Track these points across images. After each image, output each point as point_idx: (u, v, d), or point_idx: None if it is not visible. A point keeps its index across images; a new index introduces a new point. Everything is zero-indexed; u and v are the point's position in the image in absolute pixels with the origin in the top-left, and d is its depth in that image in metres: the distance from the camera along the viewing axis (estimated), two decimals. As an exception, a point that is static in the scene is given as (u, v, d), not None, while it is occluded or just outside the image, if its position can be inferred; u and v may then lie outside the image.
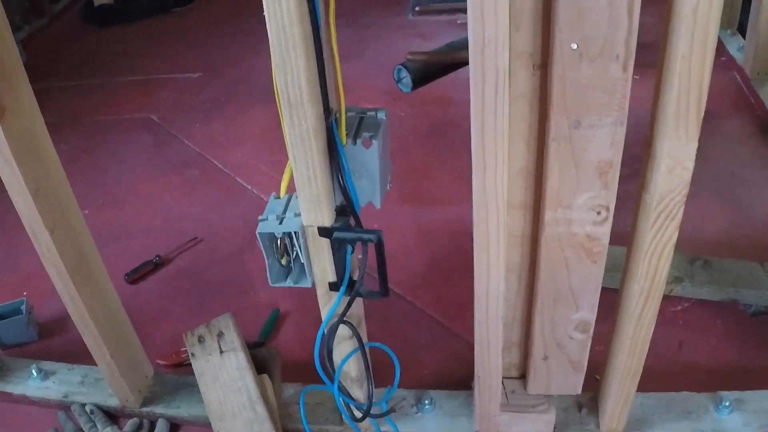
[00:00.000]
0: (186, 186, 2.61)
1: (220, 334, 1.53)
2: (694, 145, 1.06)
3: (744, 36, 2.96)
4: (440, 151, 2.62)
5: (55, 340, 2.01)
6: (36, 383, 1.82)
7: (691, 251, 2.01)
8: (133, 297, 1.89)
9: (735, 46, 3.06)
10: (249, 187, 2.55)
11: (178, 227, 2.38)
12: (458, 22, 3.42)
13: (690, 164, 1.09)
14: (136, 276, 2.17)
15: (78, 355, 1.81)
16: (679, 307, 1.92)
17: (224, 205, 2.49)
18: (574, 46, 0.99)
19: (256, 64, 3.33)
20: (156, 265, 2.21)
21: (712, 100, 2.71)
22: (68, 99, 3.26)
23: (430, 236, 2.23)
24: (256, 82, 3.22)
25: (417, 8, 3.70)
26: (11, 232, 2.40)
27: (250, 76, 3.27)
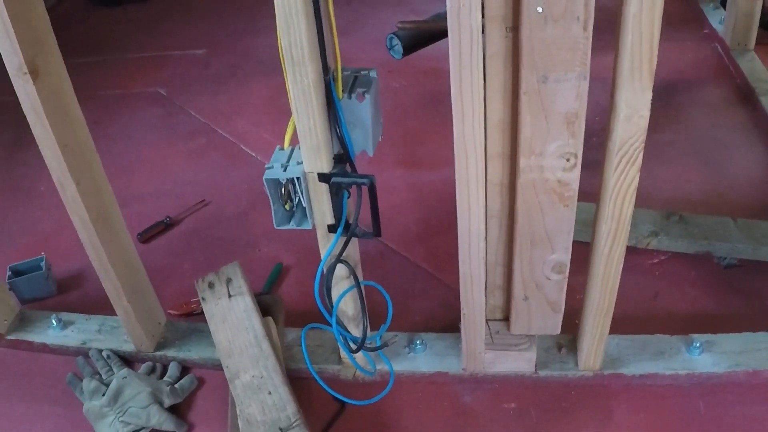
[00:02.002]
0: (193, 153, 2.72)
1: (229, 280, 1.64)
2: (649, 95, 1.18)
3: (725, 9, 3.05)
4: (432, 119, 2.74)
5: (71, 295, 2.12)
6: (55, 332, 1.92)
7: (668, 207, 2.10)
8: (145, 254, 1.98)
9: (717, 18, 3.16)
10: (253, 154, 2.66)
11: (186, 191, 2.49)
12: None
13: (646, 113, 1.20)
14: (147, 235, 2.28)
15: (96, 307, 1.93)
16: (656, 260, 2.01)
17: (229, 171, 2.59)
18: (540, 9, 1.11)
19: (257, 40, 3.42)
20: (166, 225, 2.32)
21: (694, 69, 2.83)
22: (78, 75, 3.23)
23: (422, 196, 2.35)
24: (257, 57, 3.31)
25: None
26: (30, 200, 2.52)
27: (252, 52, 3.36)
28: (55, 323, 1.93)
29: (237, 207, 2.39)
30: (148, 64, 3.44)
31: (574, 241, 1.41)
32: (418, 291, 2.00)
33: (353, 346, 1.55)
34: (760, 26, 2.90)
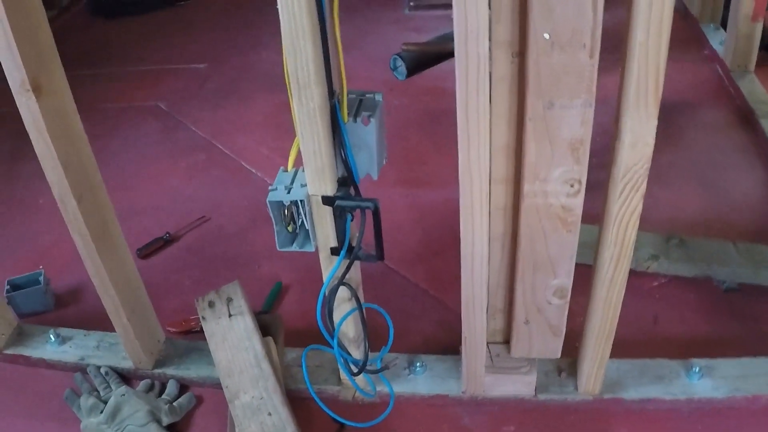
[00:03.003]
0: (193, 169, 2.71)
1: (229, 300, 1.64)
2: (654, 122, 1.18)
3: (726, 30, 3.06)
4: (434, 138, 2.74)
5: (70, 310, 2.11)
6: (53, 347, 1.92)
7: (669, 230, 2.10)
8: (144, 270, 1.98)
9: (717, 39, 3.17)
10: (253, 170, 2.64)
11: (186, 207, 2.48)
12: (452, 17, 3.50)
13: (651, 140, 1.20)
14: (147, 251, 2.27)
15: (94, 322, 1.92)
16: (656, 283, 2.00)
17: (230, 187, 2.58)
18: (547, 36, 1.11)
19: (258, 55, 3.42)
20: (166, 241, 2.31)
21: (694, 90, 2.83)
22: (78, 88, 3.22)
23: (423, 216, 2.34)
24: (258, 72, 3.31)
25: (412, 3, 3.80)
26: (28, 214, 2.52)
27: (253, 67, 3.36)
28: (53, 338, 1.92)
29: (237, 224, 2.38)
30: (148, 77, 3.44)
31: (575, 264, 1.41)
32: (419, 312, 1.99)
33: (354, 369, 1.55)
34: (760, 48, 2.90)
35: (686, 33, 3.36)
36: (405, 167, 2.58)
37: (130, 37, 3.89)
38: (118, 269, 1.66)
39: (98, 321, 1.85)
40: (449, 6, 1.08)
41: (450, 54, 1.12)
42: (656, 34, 1.09)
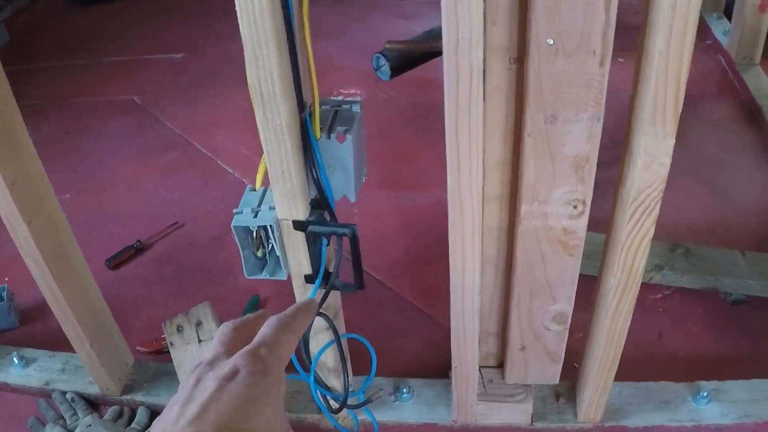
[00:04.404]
0: (167, 169, 2.60)
1: (199, 324, 1.53)
2: (671, 141, 1.06)
3: (730, 19, 2.94)
4: (422, 134, 2.62)
5: (36, 327, 2.00)
6: (17, 371, 1.82)
7: (673, 238, 2.01)
8: (113, 283, 1.88)
9: (721, 29, 3.05)
10: (230, 171, 2.53)
11: (159, 212, 2.37)
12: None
13: (667, 160, 1.08)
14: (116, 261, 2.15)
15: (60, 341, 1.79)
16: (660, 295, 1.91)
17: (205, 189, 2.47)
18: (551, 41, 0.98)
19: (237, 44, 3.21)
20: (136, 250, 2.19)
21: (697, 84, 2.73)
22: (52, 80, 3.24)
23: (410, 221, 2.23)
24: (238, 63, 3.12)
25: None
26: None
27: (232, 58, 3.18)
28: (16, 361, 1.82)
29: (212, 230, 2.27)
30: (123, 68, 3.32)
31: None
32: (405, 328, 1.88)
33: (334, 405, 1.42)
34: (767, 39, 2.79)
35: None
36: (391, 167, 2.46)
37: (106, 25, 3.77)
38: (78, 293, 1.55)
39: (66, 338, 1.73)
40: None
41: (438, 53, 0.99)
42: (679, 43, 0.95)
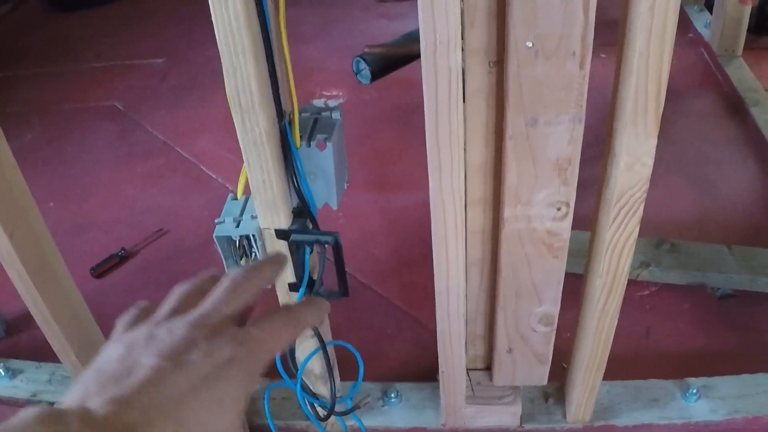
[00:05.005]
0: (151, 176, 2.58)
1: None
2: (654, 141, 1.05)
3: (711, 12, 2.95)
4: (405, 134, 2.60)
5: (22, 337, 1.98)
6: (4, 382, 1.80)
7: (658, 233, 2.01)
8: (99, 291, 1.87)
9: (702, 22, 3.05)
10: (214, 176, 2.52)
11: (143, 219, 2.35)
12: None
13: (649, 161, 1.07)
14: (101, 270, 2.13)
15: (46, 351, 1.78)
16: (647, 292, 1.91)
17: (189, 195, 2.45)
18: (530, 44, 0.97)
19: (218, 48, 3.25)
20: (121, 258, 2.18)
21: (680, 77, 2.73)
22: (34, 87, 3.23)
23: (394, 222, 2.21)
24: (219, 66, 3.13)
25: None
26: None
27: (214, 61, 3.15)
28: (3, 372, 1.80)
29: (196, 236, 2.25)
30: (105, 74, 3.31)
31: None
32: (392, 331, 1.87)
33: (322, 413, 1.42)
34: (748, 30, 2.80)
35: (669, 16, 3.26)
36: (375, 168, 2.45)
37: (88, 31, 3.74)
38: (62, 304, 1.53)
39: (52, 349, 1.72)
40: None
41: (418, 56, 0.98)
42: (659, 41, 0.94)
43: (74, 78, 3.31)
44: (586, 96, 1.02)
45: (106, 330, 1.66)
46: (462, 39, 0.99)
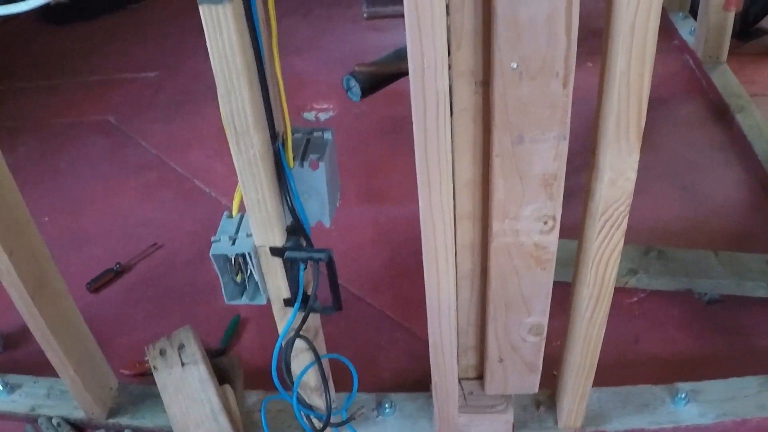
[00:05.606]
0: (144, 190, 2.60)
1: (181, 347, 1.53)
2: (636, 156, 1.08)
3: (696, 19, 2.97)
4: (397, 147, 2.63)
5: (19, 352, 2.00)
6: (2, 397, 1.82)
7: (646, 240, 2.03)
8: (95, 305, 1.88)
9: (687, 29, 3.08)
10: (207, 190, 2.54)
11: (137, 233, 2.37)
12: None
13: (632, 175, 1.10)
14: (97, 284, 2.16)
15: (44, 365, 1.79)
16: (635, 299, 1.94)
17: (183, 209, 2.47)
18: (514, 65, 1.00)
19: (210, 61, 3.25)
20: (117, 272, 2.20)
21: (666, 84, 2.76)
22: (27, 101, 3.24)
23: (387, 235, 2.24)
24: (211, 79, 3.12)
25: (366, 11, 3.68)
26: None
27: (206, 74, 3.17)
28: (1, 387, 1.82)
29: (191, 250, 2.27)
30: (98, 88, 3.32)
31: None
32: (386, 343, 1.89)
33: (318, 425, 1.44)
34: (732, 36, 2.83)
35: (654, 23, 3.28)
36: (366, 181, 2.47)
37: (81, 44, 3.75)
38: (60, 320, 1.55)
39: (49, 363, 1.74)
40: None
41: (407, 73, 1.01)
42: (639, 61, 0.98)
43: (67, 92, 3.32)
44: (570, 114, 1.05)
45: (103, 344, 1.70)
46: (449, 60, 1.02)
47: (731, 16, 2.74)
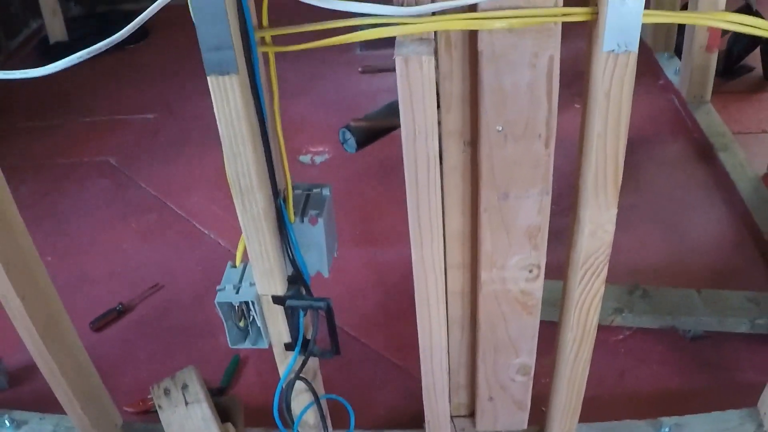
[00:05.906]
0: (145, 232, 2.64)
1: (185, 386, 1.59)
2: (614, 210, 1.15)
3: (681, 58, 3.03)
4: (391, 189, 2.68)
5: (25, 388, 2.04)
6: None
7: (631, 278, 2.08)
8: (98, 345, 1.92)
9: (672, 69, 3.15)
10: (206, 232, 2.58)
11: (139, 274, 2.41)
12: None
13: (610, 227, 1.17)
14: (100, 324, 2.20)
15: (49, 402, 1.83)
16: (620, 336, 1.98)
17: (183, 251, 2.52)
18: (500, 128, 1.07)
19: (208, 102, 3.24)
20: (119, 312, 2.24)
21: (650, 124, 2.81)
22: (28, 141, 3.28)
23: (380, 276, 2.29)
24: (209, 121, 3.11)
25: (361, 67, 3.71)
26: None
27: (205, 117, 3.18)
28: (8, 423, 1.85)
29: (191, 291, 2.32)
30: (97, 129, 3.36)
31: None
32: (380, 381, 1.94)
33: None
34: (716, 75, 2.89)
35: (640, 63, 3.28)
36: (361, 224, 2.53)
37: (80, 84, 3.77)
38: (68, 359, 1.60)
39: (54, 400, 1.76)
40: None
41: (400, 126, 1.08)
42: (615, 125, 1.05)
43: (67, 132, 3.37)
44: (551, 170, 1.12)
45: (107, 382, 1.73)
46: (439, 122, 1.09)
47: (715, 57, 2.81)
